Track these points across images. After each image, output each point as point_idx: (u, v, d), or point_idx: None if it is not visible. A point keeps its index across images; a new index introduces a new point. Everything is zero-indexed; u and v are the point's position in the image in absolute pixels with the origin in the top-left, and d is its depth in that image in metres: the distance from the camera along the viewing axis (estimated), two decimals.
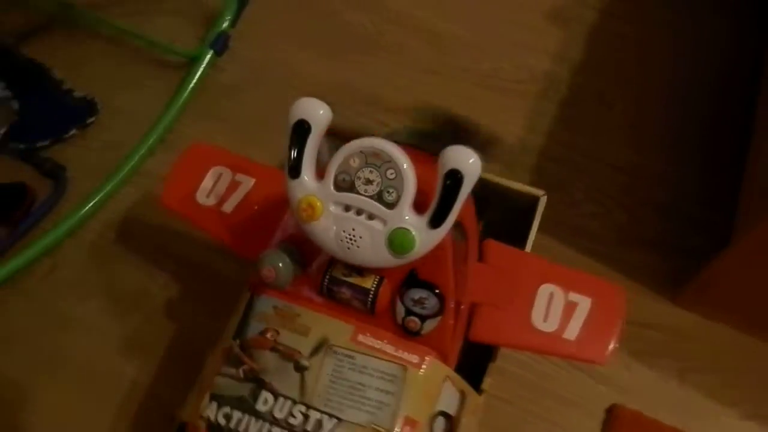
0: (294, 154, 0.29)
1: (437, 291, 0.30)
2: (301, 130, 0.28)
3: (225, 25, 0.62)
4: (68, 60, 0.63)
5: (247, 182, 0.40)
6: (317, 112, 0.28)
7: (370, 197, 0.28)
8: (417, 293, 0.30)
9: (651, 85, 0.61)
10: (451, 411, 0.33)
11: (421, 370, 0.31)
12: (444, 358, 0.33)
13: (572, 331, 0.34)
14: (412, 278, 0.31)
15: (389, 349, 0.31)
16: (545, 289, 0.35)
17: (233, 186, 0.40)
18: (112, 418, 0.44)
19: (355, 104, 0.59)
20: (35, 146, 0.58)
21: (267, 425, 0.30)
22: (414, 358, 0.31)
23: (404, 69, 0.61)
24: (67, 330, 0.48)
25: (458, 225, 0.33)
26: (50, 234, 0.52)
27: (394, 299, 0.31)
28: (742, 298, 0.45)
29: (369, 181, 0.28)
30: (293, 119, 0.28)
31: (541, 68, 0.61)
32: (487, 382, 0.37)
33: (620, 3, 0.66)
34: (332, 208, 0.29)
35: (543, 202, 0.43)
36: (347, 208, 0.29)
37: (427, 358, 0.32)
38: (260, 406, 0.31)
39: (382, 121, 0.57)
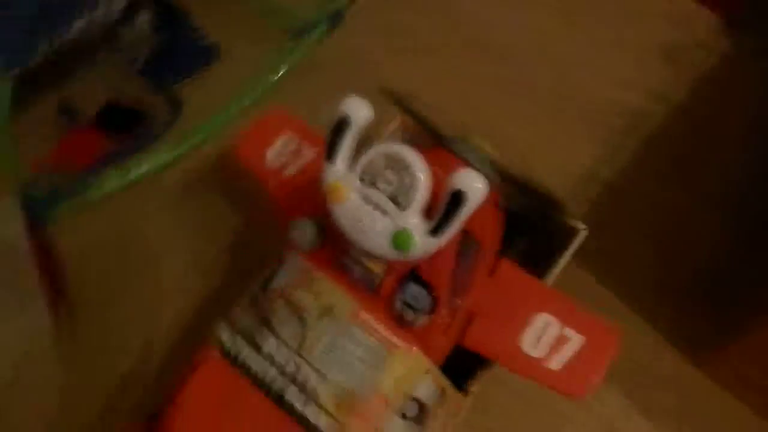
0: (333, 143, 0.33)
1: (432, 292, 0.33)
2: (343, 124, 0.32)
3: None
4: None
5: (310, 153, 0.44)
6: (360, 113, 0.32)
7: (387, 195, 0.32)
8: (413, 289, 0.34)
9: (736, 145, 0.59)
10: (428, 402, 0.37)
11: (405, 357, 0.35)
12: (430, 352, 0.36)
13: (558, 363, 0.36)
14: (413, 274, 0.34)
15: (382, 330, 0.35)
16: (543, 318, 0.37)
17: (297, 153, 0.45)
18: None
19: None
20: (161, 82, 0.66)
21: (267, 364, 0.35)
22: (401, 344, 0.35)
23: (489, 88, 0.63)
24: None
25: (469, 237, 0.35)
26: (152, 158, 0.60)
27: (395, 290, 0.35)
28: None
29: (388, 182, 0.32)
30: (338, 114, 0.32)
31: (635, 104, 0.61)
32: (475, 386, 0.40)
33: (737, 47, 0.63)
34: (354, 196, 0.33)
35: (581, 236, 0.44)
36: (367, 200, 0.32)
37: (414, 348, 0.35)
38: (264, 346, 0.36)
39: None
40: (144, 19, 0.69)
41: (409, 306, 0.34)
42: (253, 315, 0.37)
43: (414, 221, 0.31)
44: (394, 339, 0.35)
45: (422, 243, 0.31)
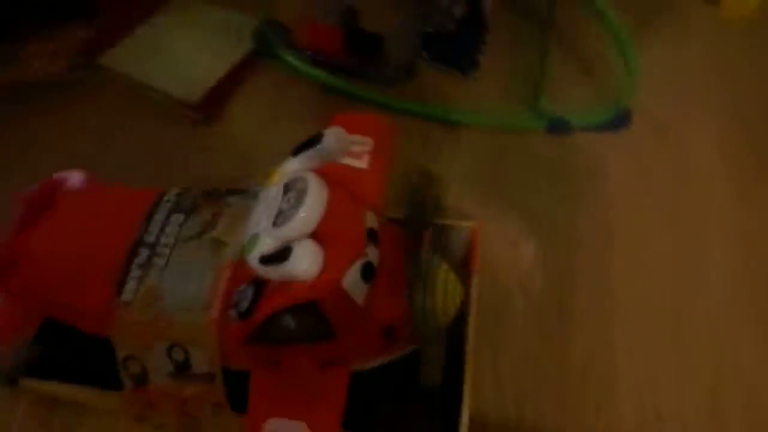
0: (301, 147, 0.36)
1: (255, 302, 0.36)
2: (314, 141, 0.35)
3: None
4: None
5: None
6: (332, 143, 0.34)
7: (279, 206, 0.35)
8: (247, 292, 0.37)
9: None
10: (193, 366, 0.40)
11: (208, 329, 0.38)
12: (224, 345, 0.39)
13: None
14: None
15: (217, 302, 0.39)
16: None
17: None
18: None
19: None
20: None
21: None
22: (212, 317, 0.38)
23: None
24: None
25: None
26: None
27: (243, 279, 0.38)
28: None
29: (289, 198, 0.34)
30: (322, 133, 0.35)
31: None
32: None
33: None
34: (274, 189, 0.36)
35: None
36: (273, 198, 0.36)
37: (213, 326, 0.38)
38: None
39: None
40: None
41: (236, 303, 0.37)
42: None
43: (267, 241, 0.34)
44: (214, 310, 0.39)
45: (252, 261, 0.33)
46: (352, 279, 0.36)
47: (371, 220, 0.39)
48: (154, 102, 0.69)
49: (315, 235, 0.35)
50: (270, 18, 0.70)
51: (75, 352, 0.45)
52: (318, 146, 0.36)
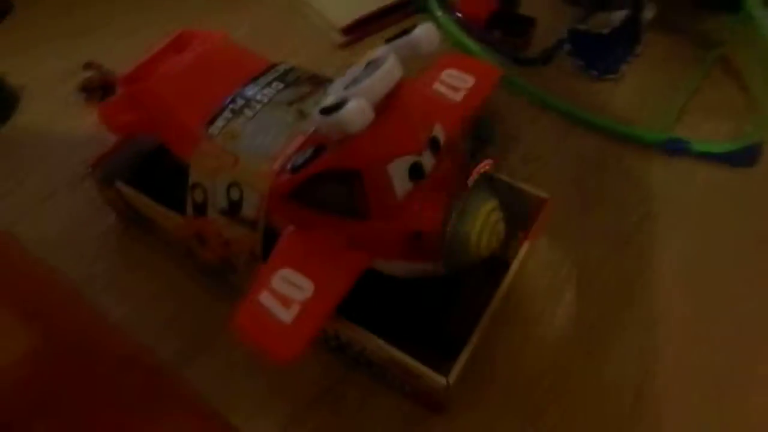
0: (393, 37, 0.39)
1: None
2: (406, 32, 0.38)
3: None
4: None
5: None
6: (423, 36, 0.37)
7: (354, 76, 0.38)
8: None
9: None
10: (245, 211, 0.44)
11: (266, 176, 0.42)
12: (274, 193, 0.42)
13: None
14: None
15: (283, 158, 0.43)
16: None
17: None
18: None
19: None
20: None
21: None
22: (271, 171, 0.42)
23: None
24: None
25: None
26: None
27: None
28: None
29: (367, 71, 0.37)
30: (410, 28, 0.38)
31: None
32: None
33: None
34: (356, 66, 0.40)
35: None
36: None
37: (269, 179, 0.42)
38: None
39: None
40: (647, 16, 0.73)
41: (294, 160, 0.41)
42: None
43: (331, 99, 0.36)
44: (276, 163, 0.42)
45: (315, 114, 0.37)
46: (398, 168, 0.38)
47: (438, 132, 0.41)
48: (305, 17, 0.75)
49: (378, 109, 0.37)
50: None
51: (163, 179, 0.51)
52: (407, 36, 0.38)
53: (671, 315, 0.50)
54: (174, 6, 0.81)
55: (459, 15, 0.72)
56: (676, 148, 0.60)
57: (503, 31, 0.73)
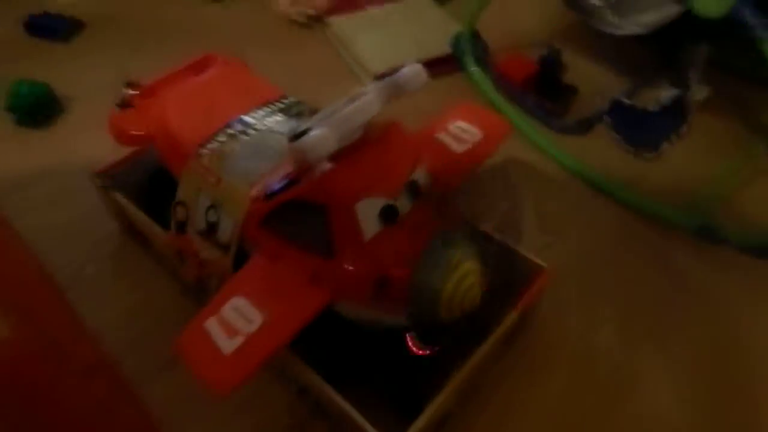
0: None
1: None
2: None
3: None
4: None
5: None
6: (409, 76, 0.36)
7: (333, 108, 0.36)
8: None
9: None
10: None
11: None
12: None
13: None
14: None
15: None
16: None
17: None
18: None
19: None
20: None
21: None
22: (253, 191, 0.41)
23: None
24: None
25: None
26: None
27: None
28: None
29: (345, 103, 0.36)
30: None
31: None
32: None
33: None
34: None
35: None
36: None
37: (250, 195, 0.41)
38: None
39: None
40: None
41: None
42: None
43: (302, 127, 0.35)
44: (256, 188, 0.41)
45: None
46: (367, 208, 0.36)
47: (420, 177, 0.39)
48: (346, 63, 0.76)
49: (356, 145, 0.36)
50: (473, 29, 0.73)
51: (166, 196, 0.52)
52: (395, 75, 0.37)
53: (670, 417, 0.45)
54: (222, 38, 0.84)
55: (496, 74, 0.71)
56: (709, 235, 0.55)
57: (542, 95, 0.71)
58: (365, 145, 0.37)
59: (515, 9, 0.88)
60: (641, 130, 0.67)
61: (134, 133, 0.50)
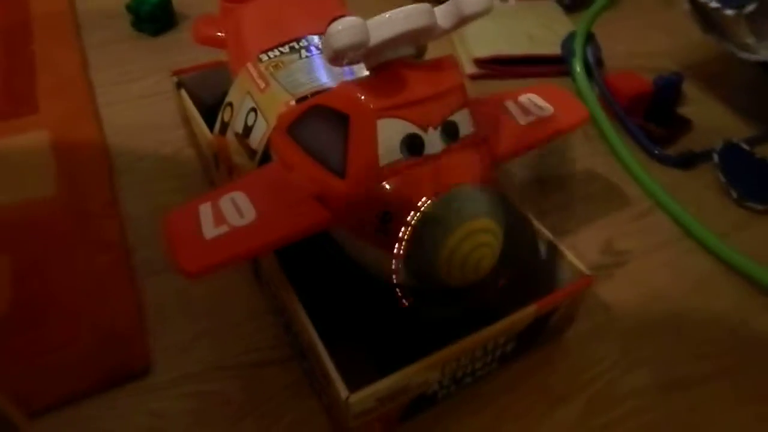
0: None
1: None
2: None
3: None
4: None
5: None
6: None
7: None
8: None
9: None
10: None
11: None
12: None
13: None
14: None
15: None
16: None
17: None
18: None
19: None
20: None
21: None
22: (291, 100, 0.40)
23: None
24: None
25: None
26: None
27: None
28: None
29: None
30: None
31: None
32: None
33: None
34: None
35: None
36: None
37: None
38: None
39: None
40: None
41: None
42: None
43: None
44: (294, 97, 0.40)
45: None
46: (389, 128, 0.33)
47: (461, 120, 0.35)
48: (451, 40, 0.74)
49: (395, 64, 0.33)
50: (588, 31, 0.67)
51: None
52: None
53: None
54: None
55: (603, 85, 0.65)
56: None
57: (650, 119, 0.64)
58: (410, 66, 0.34)
59: (647, 28, 0.81)
60: (753, 179, 0.59)
61: (209, 33, 0.50)
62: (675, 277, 0.51)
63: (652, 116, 0.64)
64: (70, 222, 0.51)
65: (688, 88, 0.68)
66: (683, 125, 0.64)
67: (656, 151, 0.61)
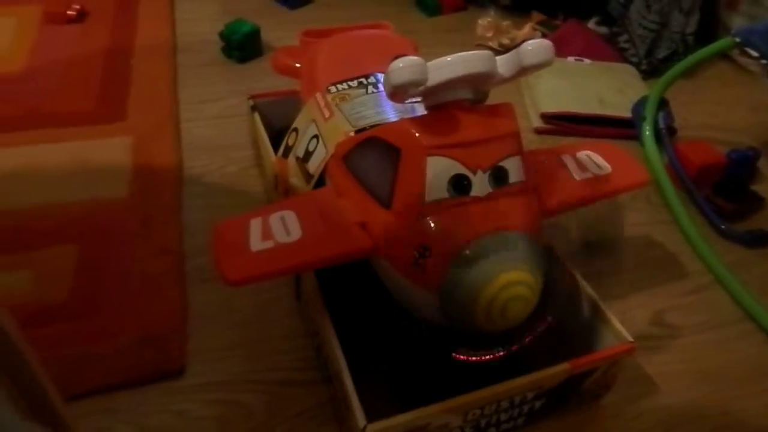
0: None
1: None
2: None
3: None
4: None
5: None
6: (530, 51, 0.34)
7: None
8: None
9: None
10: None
11: None
12: None
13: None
14: None
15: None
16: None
17: None
18: None
19: None
20: None
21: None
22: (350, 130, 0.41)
23: None
24: None
25: None
26: None
27: None
28: None
29: None
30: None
31: None
32: None
33: None
34: None
35: None
36: None
37: None
38: None
39: None
40: None
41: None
42: None
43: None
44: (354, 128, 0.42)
45: None
46: (438, 166, 0.34)
47: (512, 167, 0.35)
48: (522, 96, 0.74)
49: (452, 105, 0.34)
50: (661, 96, 0.66)
51: None
52: (516, 50, 0.34)
53: None
54: (418, 37, 0.87)
55: (673, 153, 0.63)
56: None
57: (720, 193, 0.61)
58: (466, 109, 0.35)
59: (724, 100, 0.79)
60: None
61: (287, 63, 0.53)
62: (728, 360, 0.48)
63: (722, 190, 0.62)
64: (136, 224, 0.54)
65: (764, 165, 0.66)
66: (755, 202, 0.61)
67: (723, 226, 0.58)
